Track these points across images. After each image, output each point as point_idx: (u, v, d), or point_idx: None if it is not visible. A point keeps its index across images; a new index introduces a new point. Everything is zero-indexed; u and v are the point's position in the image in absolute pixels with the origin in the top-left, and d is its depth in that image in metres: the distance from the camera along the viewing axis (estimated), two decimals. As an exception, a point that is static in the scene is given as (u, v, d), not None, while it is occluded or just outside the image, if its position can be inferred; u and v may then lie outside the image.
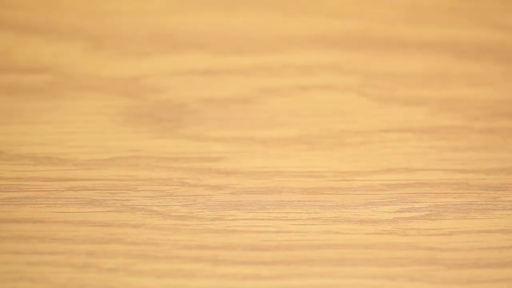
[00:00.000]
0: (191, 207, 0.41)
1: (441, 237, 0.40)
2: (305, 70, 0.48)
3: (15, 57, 0.46)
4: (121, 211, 0.40)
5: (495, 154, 0.44)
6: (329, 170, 0.43)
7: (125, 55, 0.46)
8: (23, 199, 0.40)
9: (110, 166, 0.42)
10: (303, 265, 0.39)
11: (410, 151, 0.44)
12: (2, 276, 0.37)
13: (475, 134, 0.45)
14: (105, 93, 0.45)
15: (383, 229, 0.40)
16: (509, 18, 0.50)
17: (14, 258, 0.38)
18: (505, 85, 0.48)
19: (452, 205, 0.42)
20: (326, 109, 0.45)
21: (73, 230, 0.39)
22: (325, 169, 0.43)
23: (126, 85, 0.45)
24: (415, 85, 0.48)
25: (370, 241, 0.40)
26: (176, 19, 0.47)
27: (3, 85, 0.44)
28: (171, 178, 0.42)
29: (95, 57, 0.46)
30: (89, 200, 0.41)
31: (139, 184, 0.41)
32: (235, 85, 0.46)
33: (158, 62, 0.46)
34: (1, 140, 0.43)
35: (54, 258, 0.39)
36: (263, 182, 0.42)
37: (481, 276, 0.38)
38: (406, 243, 0.40)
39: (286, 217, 0.41)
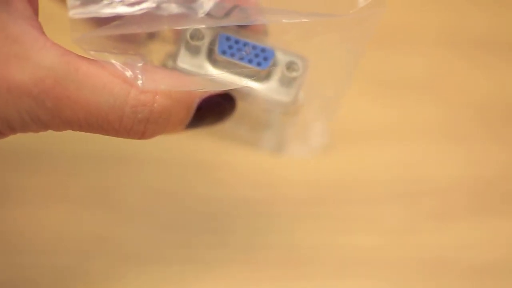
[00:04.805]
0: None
1: (450, 241, 0.39)
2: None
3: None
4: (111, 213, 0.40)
5: (506, 153, 0.44)
6: (331, 170, 0.42)
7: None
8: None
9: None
10: (305, 267, 0.38)
11: (418, 150, 0.44)
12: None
13: (487, 132, 0.45)
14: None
15: (388, 231, 0.40)
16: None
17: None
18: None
19: (463, 207, 0.41)
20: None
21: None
22: (327, 169, 0.42)
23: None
24: (419, 82, 0.48)
25: (374, 244, 0.39)
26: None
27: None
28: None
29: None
30: (78, 202, 0.40)
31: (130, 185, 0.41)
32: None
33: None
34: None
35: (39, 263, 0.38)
36: (262, 183, 0.42)
37: (494, 283, 0.38)
38: (413, 247, 0.39)
39: (286, 218, 0.40)
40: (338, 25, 0.29)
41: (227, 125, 0.31)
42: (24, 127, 0.27)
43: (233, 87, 0.29)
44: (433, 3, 0.52)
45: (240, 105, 0.30)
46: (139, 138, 0.28)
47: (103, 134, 0.28)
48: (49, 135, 0.42)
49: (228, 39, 0.29)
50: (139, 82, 0.27)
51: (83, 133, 0.33)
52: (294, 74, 0.29)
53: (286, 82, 0.29)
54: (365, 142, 0.44)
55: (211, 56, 0.29)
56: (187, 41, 0.29)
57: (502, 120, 0.46)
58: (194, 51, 0.29)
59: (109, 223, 0.39)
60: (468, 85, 0.48)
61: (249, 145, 0.33)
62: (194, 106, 0.28)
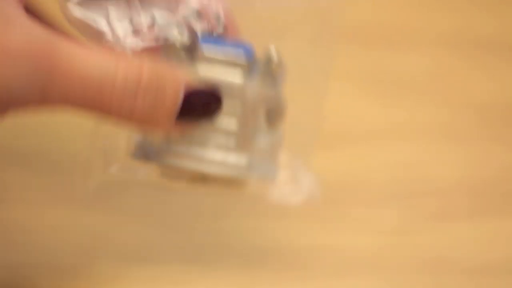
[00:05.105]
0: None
1: (450, 241, 0.39)
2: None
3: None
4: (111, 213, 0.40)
5: (507, 153, 0.44)
6: (331, 170, 0.42)
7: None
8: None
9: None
10: (305, 267, 0.38)
11: (418, 150, 0.44)
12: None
13: (487, 133, 0.45)
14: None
15: (389, 232, 0.40)
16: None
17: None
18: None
19: (463, 207, 0.41)
20: (328, 107, 0.45)
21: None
22: (327, 169, 0.41)
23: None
24: (419, 82, 0.48)
25: (373, 244, 0.39)
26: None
27: None
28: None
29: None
30: (78, 202, 0.40)
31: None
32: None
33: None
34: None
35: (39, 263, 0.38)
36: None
37: (494, 283, 0.38)
38: (413, 247, 0.39)
39: (286, 218, 0.40)
40: (303, 18, 0.30)
41: (211, 152, 0.31)
42: (23, 95, 0.28)
43: (218, 78, 0.30)
44: (433, 3, 0.52)
45: (225, 108, 0.30)
46: (129, 118, 0.29)
47: (96, 113, 0.29)
48: (50, 135, 0.43)
49: (208, 38, 0.30)
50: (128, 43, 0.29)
51: (84, 132, 0.34)
52: (275, 65, 0.30)
53: (269, 76, 0.30)
54: (365, 142, 0.44)
55: (194, 56, 0.30)
56: (169, 44, 0.30)
57: (503, 121, 0.46)
58: (176, 53, 0.30)
59: (109, 223, 0.39)
60: (469, 85, 0.48)
61: (237, 173, 0.33)
62: (181, 94, 0.29)
